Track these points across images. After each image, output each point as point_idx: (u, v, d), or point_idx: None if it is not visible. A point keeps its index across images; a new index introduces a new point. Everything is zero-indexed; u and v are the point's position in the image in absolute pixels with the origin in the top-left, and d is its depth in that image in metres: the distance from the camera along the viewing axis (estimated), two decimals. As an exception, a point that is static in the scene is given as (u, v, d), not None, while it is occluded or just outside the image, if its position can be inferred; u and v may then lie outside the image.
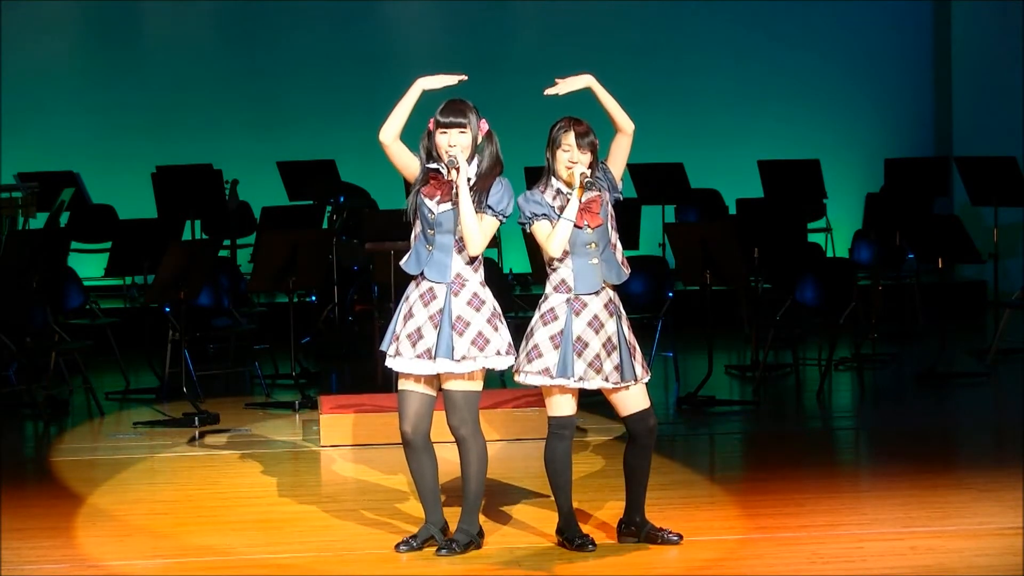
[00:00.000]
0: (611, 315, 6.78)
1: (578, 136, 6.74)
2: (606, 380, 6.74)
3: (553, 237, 6.70)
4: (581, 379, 6.72)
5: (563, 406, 6.79)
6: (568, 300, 6.75)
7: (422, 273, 6.75)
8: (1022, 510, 7.32)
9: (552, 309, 6.77)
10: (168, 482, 8.53)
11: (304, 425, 9.89)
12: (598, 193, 6.78)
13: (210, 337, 11.88)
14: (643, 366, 6.86)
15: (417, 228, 6.79)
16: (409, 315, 6.76)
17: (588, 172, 6.72)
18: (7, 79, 15.09)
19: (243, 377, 11.66)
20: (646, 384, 6.88)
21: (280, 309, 12.41)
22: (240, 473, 8.64)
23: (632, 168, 14.33)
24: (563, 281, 6.76)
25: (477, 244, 6.69)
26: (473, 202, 6.68)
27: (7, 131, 14.85)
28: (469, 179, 6.72)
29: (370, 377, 10.90)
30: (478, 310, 6.72)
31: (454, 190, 6.69)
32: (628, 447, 6.91)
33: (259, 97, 15.46)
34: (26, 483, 8.50)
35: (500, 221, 6.76)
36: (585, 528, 7.01)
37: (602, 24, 15.86)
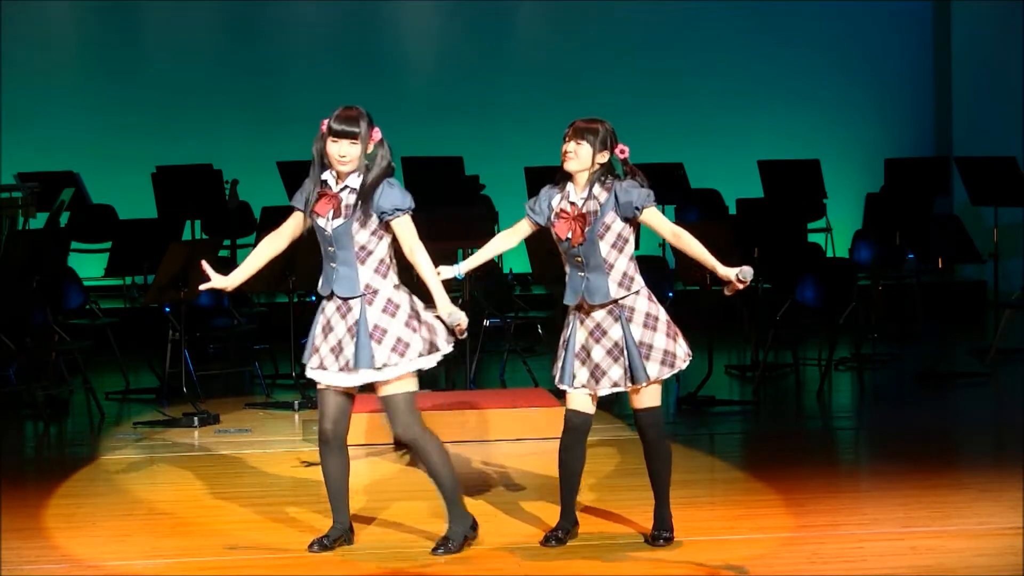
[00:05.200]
0: (615, 320, 6.77)
1: (576, 127, 6.72)
2: (615, 386, 6.75)
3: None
4: (584, 386, 6.75)
5: (573, 401, 6.81)
6: (573, 308, 6.80)
7: (332, 292, 6.73)
8: (1022, 510, 7.32)
9: (565, 314, 6.87)
10: (168, 482, 8.53)
11: (304, 425, 9.88)
12: (588, 212, 6.73)
13: (210, 337, 11.88)
14: (663, 363, 6.80)
15: (321, 250, 6.75)
16: (328, 328, 6.73)
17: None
18: (7, 79, 15.09)
19: (243, 377, 11.66)
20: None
21: (280, 309, 12.41)
22: (240, 473, 8.64)
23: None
24: (564, 287, 6.84)
25: (430, 264, 6.69)
26: (364, 211, 6.62)
27: (7, 131, 14.85)
28: (354, 188, 6.66)
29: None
30: (394, 316, 6.67)
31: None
32: (643, 447, 6.94)
33: (259, 97, 15.46)
34: (26, 483, 8.50)
35: (410, 214, 6.71)
36: (589, 527, 7.02)
37: (602, 24, 15.87)
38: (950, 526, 7.16)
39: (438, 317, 6.69)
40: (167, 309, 10.55)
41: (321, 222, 6.69)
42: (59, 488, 8.33)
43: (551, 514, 7.11)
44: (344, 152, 6.64)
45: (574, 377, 6.76)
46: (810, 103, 15.95)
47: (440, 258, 10.74)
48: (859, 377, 11.37)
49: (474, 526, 6.92)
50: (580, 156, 6.71)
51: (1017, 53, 14.75)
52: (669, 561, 6.70)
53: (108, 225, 13.62)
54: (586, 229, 6.71)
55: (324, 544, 6.86)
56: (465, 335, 6.71)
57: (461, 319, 6.64)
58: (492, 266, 11.96)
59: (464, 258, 11.04)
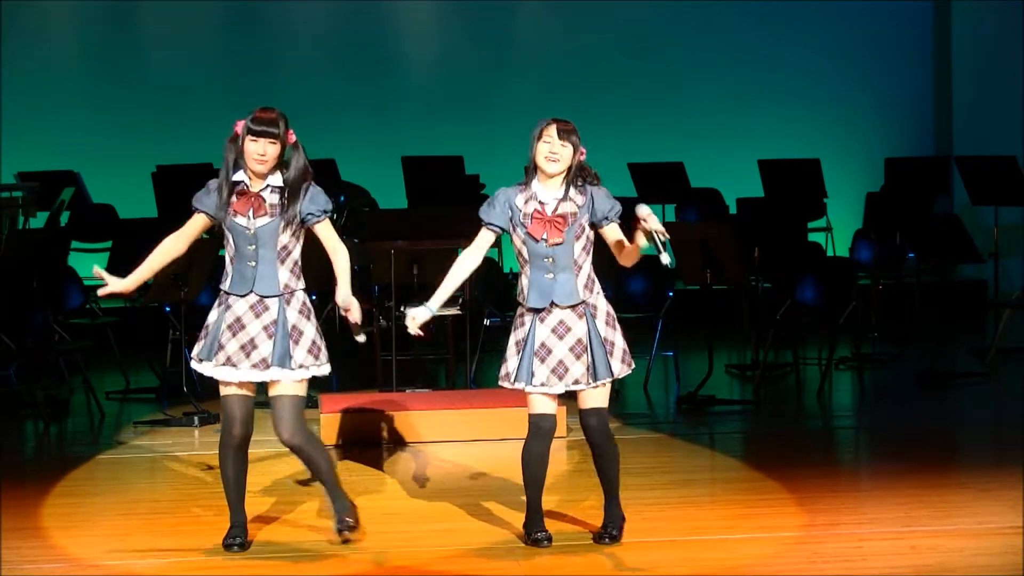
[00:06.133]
0: (580, 317, 6.75)
1: (560, 128, 6.72)
2: (576, 383, 6.73)
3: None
4: (543, 384, 6.71)
5: (538, 404, 6.79)
6: (530, 308, 6.76)
7: (251, 291, 6.74)
8: (1022, 509, 7.33)
9: (520, 315, 6.80)
10: (168, 482, 8.53)
11: (304, 425, 9.87)
12: (567, 212, 6.73)
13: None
14: (623, 361, 6.80)
15: (232, 248, 6.74)
16: (238, 326, 6.73)
17: (659, 227, 6.56)
18: (7, 79, 15.10)
19: (243, 377, 11.63)
20: (612, 383, 6.83)
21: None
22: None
23: (632, 167, 14.36)
24: (522, 289, 6.80)
25: (348, 260, 6.83)
26: (290, 212, 6.69)
27: (7, 131, 14.86)
28: (276, 187, 6.72)
29: (370, 377, 10.90)
30: (308, 318, 6.79)
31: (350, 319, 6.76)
32: (590, 447, 6.93)
33: (259, 97, 15.36)
34: (26, 483, 8.49)
35: (333, 218, 6.83)
36: (589, 526, 7.02)
37: (602, 24, 15.87)
38: (950, 525, 7.16)
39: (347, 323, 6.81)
40: (167, 309, 10.54)
41: (242, 221, 6.71)
42: (59, 487, 8.33)
43: (552, 514, 7.10)
44: (263, 151, 6.70)
45: (532, 375, 6.73)
46: (810, 102, 15.95)
47: (441, 259, 10.77)
48: (859, 376, 11.37)
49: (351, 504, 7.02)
50: (563, 158, 6.72)
51: (1017, 53, 14.75)
52: (669, 561, 6.70)
53: (108, 225, 13.62)
54: (564, 229, 6.70)
55: (243, 545, 6.88)
56: (362, 336, 6.80)
57: (353, 307, 6.74)
58: (492, 266, 11.96)
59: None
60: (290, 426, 6.77)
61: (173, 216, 12.75)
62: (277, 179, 6.74)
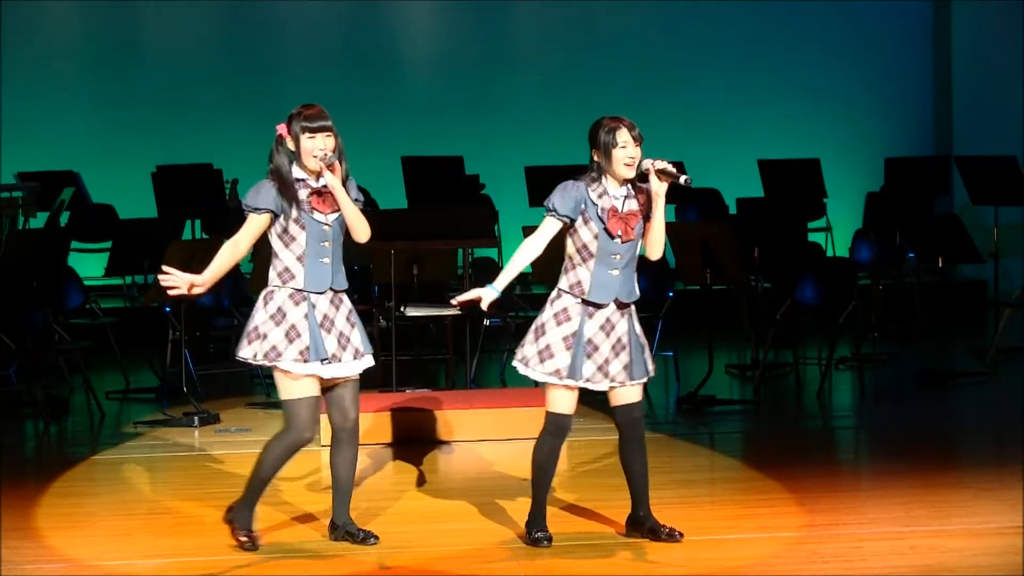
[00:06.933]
0: (623, 316, 6.80)
1: (633, 134, 6.79)
2: (613, 381, 6.75)
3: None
4: (588, 380, 6.73)
5: (564, 404, 6.80)
6: (582, 302, 6.75)
7: (330, 287, 6.77)
8: (1022, 509, 7.32)
9: (566, 309, 6.77)
10: (168, 482, 8.53)
11: (304, 425, 9.87)
12: (634, 210, 6.77)
13: (210, 337, 11.85)
14: (652, 362, 6.91)
15: (301, 247, 6.72)
16: (328, 323, 6.75)
17: (666, 164, 6.72)
18: (8, 78, 15.09)
19: (243, 377, 11.65)
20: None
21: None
22: (240, 473, 8.62)
23: (632, 167, 14.33)
24: (579, 283, 6.76)
25: (368, 229, 6.78)
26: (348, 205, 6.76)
27: (7, 131, 14.85)
28: (325, 182, 6.75)
29: (370, 377, 10.88)
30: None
31: (331, 189, 6.71)
32: (619, 443, 6.93)
33: (259, 96, 15.46)
34: (26, 482, 8.50)
35: None
36: (590, 526, 7.01)
37: (602, 23, 15.87)
38: (950, 525, 7.16)
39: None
40: (167, 309, 10.54)
41: (320, 217, 6.73)
42: (59, 487, 8.33)
43: (554, 514, 7.10)
44: (323, 145, 6.70)
45: (581, 371, 6.74)
46: (810, 102, 15.95)
47: (441, 259, 10.78)
48: (859, 376, 11.37)
49: None
50: (638, 162, 6.79)
51: (1017, 53, 14.75)
52: (669, 561, 6.69)
53: (108, 225, 13.62)
54: (635, 227, 6.76)
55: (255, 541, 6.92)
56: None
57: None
58: (492, 266, 11.96)
59: (464, 259, 11.07)
60: (356, 408, 6.87)
61: (173, 216, 12.88)
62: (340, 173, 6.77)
